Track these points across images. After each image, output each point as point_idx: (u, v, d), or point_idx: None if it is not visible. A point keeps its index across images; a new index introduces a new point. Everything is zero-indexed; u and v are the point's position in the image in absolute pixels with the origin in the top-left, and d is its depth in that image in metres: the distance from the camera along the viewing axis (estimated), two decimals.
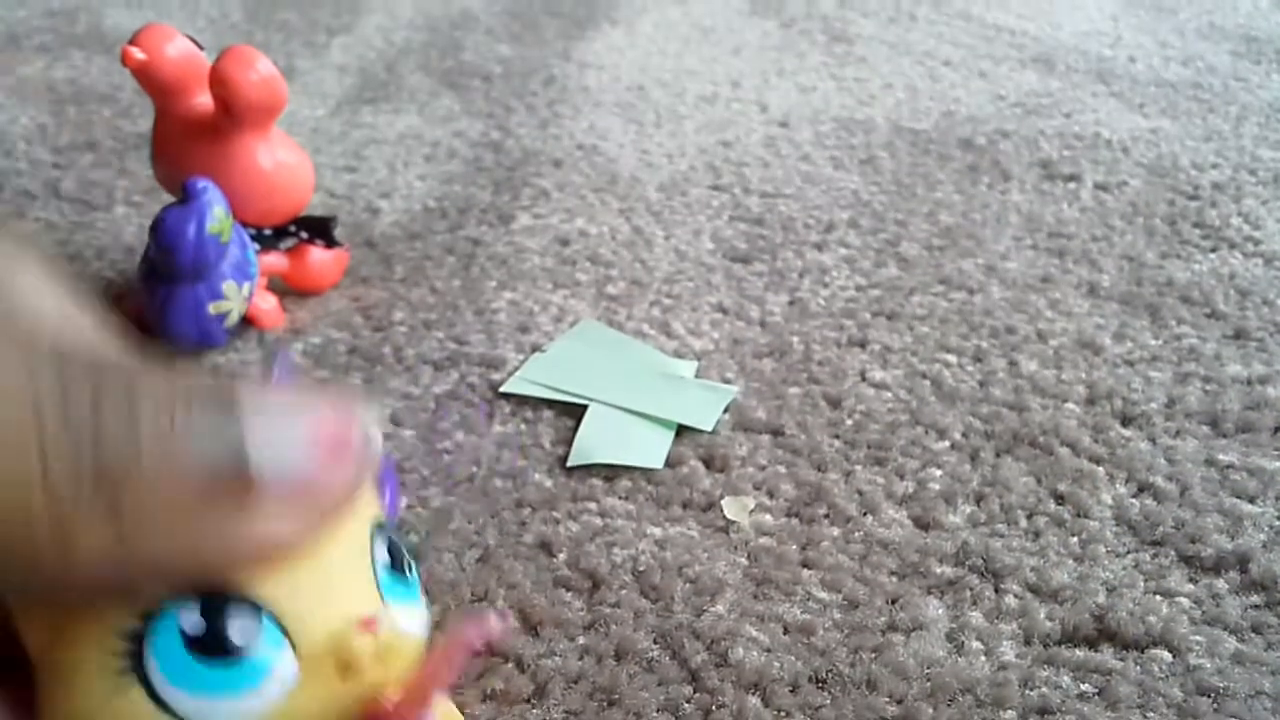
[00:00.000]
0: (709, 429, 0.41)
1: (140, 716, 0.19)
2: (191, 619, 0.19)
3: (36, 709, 0.20)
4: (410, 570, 0.23)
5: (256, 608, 0.19)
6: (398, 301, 0.50)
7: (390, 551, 0.23)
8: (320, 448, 0.19)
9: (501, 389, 0.44)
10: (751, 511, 0.37)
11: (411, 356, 0.46)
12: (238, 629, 0.19)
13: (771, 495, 0.38)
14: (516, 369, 0.45)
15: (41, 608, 0.20)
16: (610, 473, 0.39)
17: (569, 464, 0.40)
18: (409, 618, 0.22)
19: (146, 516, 0.17)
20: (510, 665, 0.31)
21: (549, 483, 0.39)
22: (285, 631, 0.20)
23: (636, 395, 0.43)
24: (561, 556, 0.35)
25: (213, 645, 0.19)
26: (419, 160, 0.65)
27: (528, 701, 0.30)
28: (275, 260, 0.49)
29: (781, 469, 0.39)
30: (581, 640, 0.32)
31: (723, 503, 0.38)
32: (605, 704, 0.30)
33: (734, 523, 0.37)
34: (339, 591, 0.21)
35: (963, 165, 0.65)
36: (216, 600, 0.19)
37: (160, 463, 0.17)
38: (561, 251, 0.55)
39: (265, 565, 0.19)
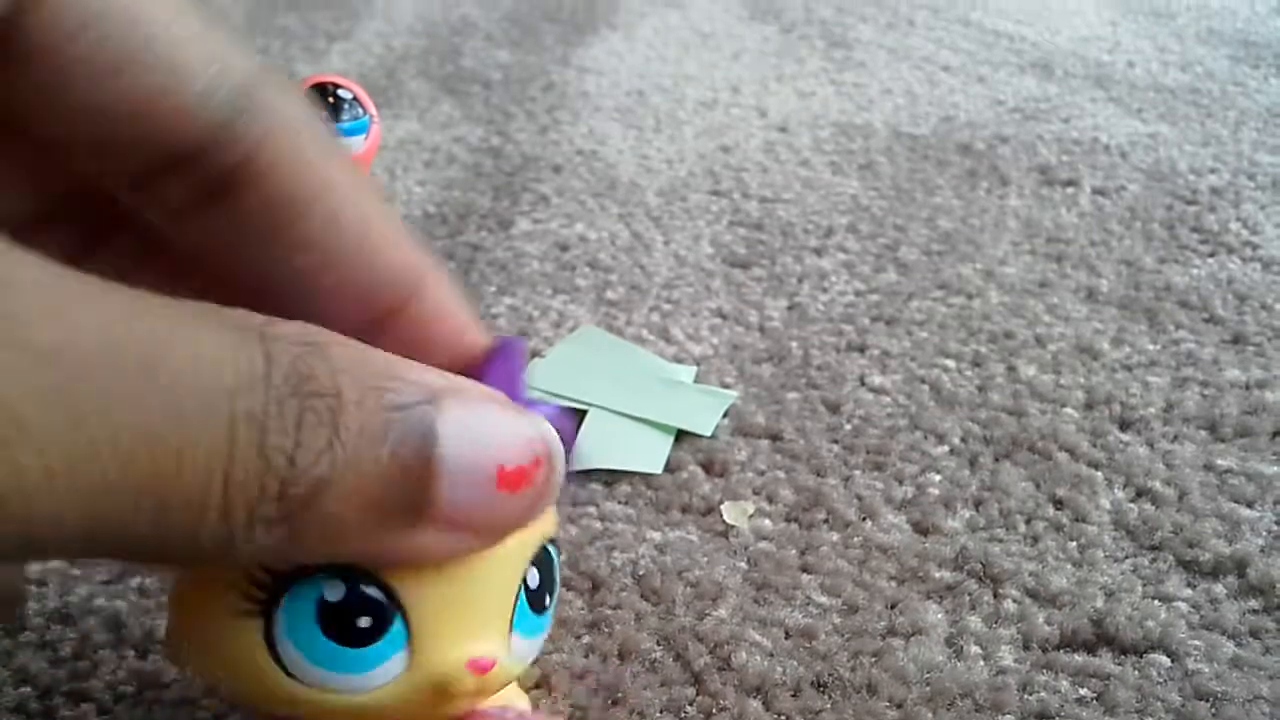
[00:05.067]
0: (708, 434, 0.41)
1: (255, 659, 0.20)
2: (335, 589, 0.19)
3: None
4: (550, 597, 0.23)
5: (394, 606, 0.20)
6: None
7: (541, 575, 0.23)
8: (505, 477, 0.18)
9: None
10: (751, 516, 0.37)
11: None
12: (370, 618, 0.20)
13: (771, 500, 0.38)
14: None
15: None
16: (610, 477, 0.39)
17: (568, 469, 0.40)
18: (527, 649, 0.22)
19: (321, 525, 0.16)
20: None
21: None
22: (410, 639, 0.20)
23: (636, 400, 0.43)
24: (561, 559, 0.35)
25: (342, 621, 0.19)
26: (418, 166, 0.65)
27: (531, 690, 0.30)
28: None
29: (780, 474, 0.39)
30: (586, 639, 0.32)
31: (722, 507, 0.38)
32: (609, 702, 0.30)
33: (733, 527, 0.37)
34: (473, 622, 0.21)
35: (961, 170, 0.65)
36: (363, 582, 0.20)
37: (349, 477, 0.16)
38: (561, 257, 0.55)
39: (411, 567, 0.19)
